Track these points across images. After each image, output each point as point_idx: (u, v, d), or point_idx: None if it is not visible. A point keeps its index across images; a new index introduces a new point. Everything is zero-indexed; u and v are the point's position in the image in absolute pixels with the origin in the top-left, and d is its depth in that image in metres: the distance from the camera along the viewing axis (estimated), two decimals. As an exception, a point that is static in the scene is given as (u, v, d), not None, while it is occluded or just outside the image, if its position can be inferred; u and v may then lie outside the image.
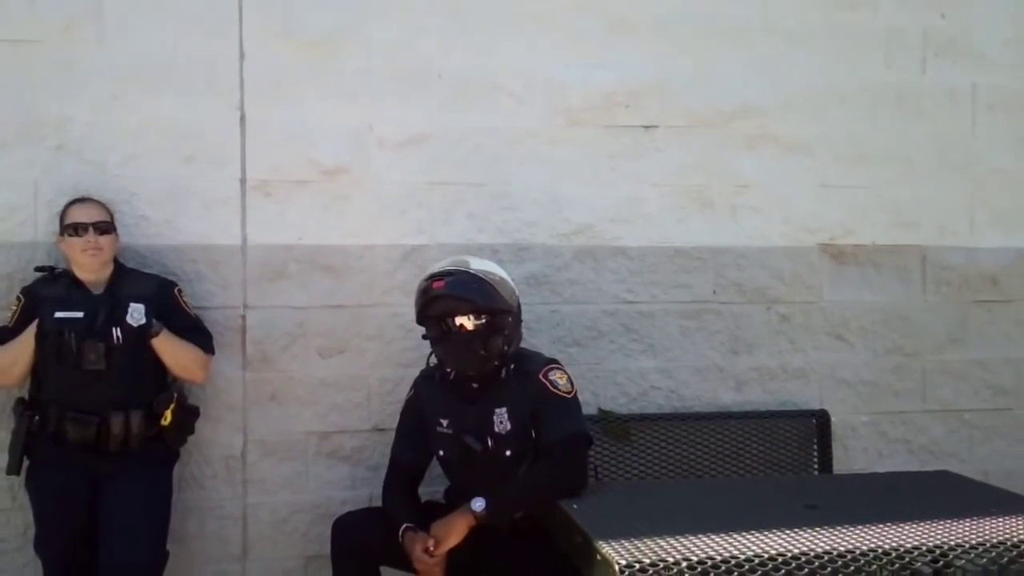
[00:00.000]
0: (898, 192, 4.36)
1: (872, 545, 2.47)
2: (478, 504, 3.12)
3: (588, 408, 3.78)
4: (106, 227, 3.49)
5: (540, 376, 3.31)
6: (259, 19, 3.82)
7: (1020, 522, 2.70)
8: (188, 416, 3.61)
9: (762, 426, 4.16)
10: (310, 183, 3.88)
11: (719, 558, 2.36)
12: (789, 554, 2.39)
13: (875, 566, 2.39)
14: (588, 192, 4.10)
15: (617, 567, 2.33)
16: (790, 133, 4.26)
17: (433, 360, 3.45)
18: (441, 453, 3.43)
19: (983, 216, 4.46)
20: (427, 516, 3.27)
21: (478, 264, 3.37)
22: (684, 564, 2.34)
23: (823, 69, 4.29)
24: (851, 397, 4.34)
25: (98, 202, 3.56)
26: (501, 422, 3.31)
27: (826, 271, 4.31)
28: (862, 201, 4.33)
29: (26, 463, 3.44)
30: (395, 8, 3.93)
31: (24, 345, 3.37)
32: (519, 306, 3.46)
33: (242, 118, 3.82)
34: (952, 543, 2.49)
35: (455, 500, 3.34)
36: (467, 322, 3.27)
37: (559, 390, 3.30)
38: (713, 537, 2.53)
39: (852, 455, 4.32)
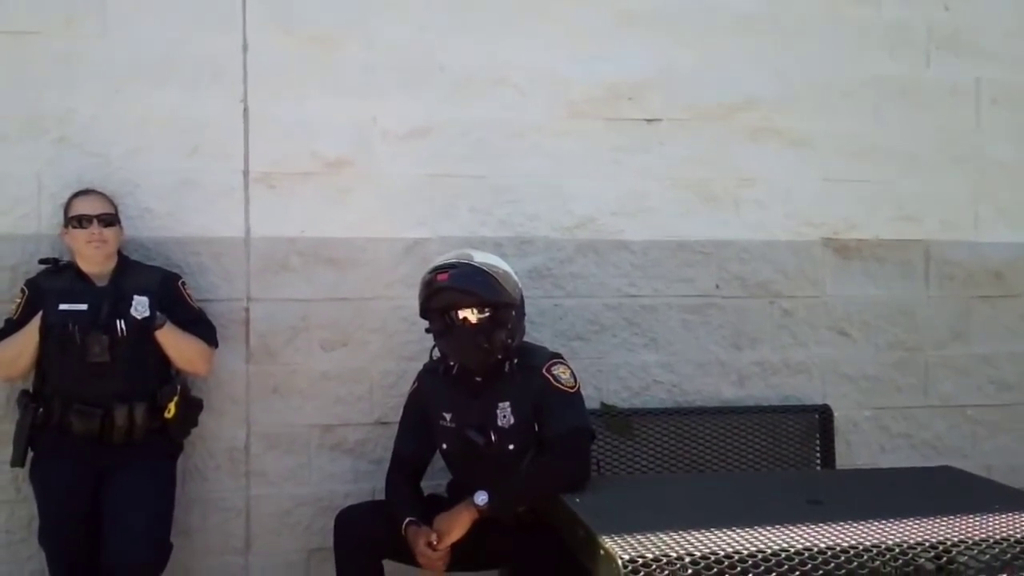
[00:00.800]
0: (902, 186, 4.36)
1: (875, 541, 2.47)
2: (481, 498, 3.12)
3: (591, 402, 3.77)
4: (110, 219, 3.49)
5: (543, 370, 3.31)
6: (262, 12, 3.82)
7: (1023, 518, 2.69)
8: (192, 408, 3.62)
9: (764, 421, 4.16)
10: (313, 176, 3.88)
11: (722, 553, 2.36)
12: (792, 550, 2.39)
13: (878, 562, 2.39)
14: (591, 185, 4.09)
15: (620, 562, 2.33)
16: (794, 127, 4.25)
17: (436, 353, 3.45)
18: (444, 447, 3.43)
19: (987, 211, 4.45)
20: (430, 510, 3.27)
21: (482, 257, 3.36)
22: (687, 559, 2.33)
23: (827, 62, 4.28)
24: (854, 392, 4.33)
25: (102, 194, 3.56)
26: (504, 416, 3.31)
27: (829, 265, 4.31)
28: (866, 195, 4.32)
29: (30, 455, 3.45)
30: (398, 1, 3.93)
31: (28, 337, 3.38)
32: (522, 300, 3.45)
33: (245, 111, 3.81)
34: (955, 539, 2.49)
35: (458, 494, 3.34)
36: (471, 315, 3.27)
37: (562, 384, 3.30)
38: (716, 532, 2.53)
39: (855, 450, 4.31)
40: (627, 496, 3.11)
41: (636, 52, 4.11)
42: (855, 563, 2.36)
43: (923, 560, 2.43)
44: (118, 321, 3.39)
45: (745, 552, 2.38)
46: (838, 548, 2.41)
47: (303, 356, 3.90)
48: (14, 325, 3.43)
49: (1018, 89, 4.47)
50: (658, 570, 2.31)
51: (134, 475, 3.39)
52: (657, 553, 2.36)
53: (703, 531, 2.53)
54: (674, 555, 2.35)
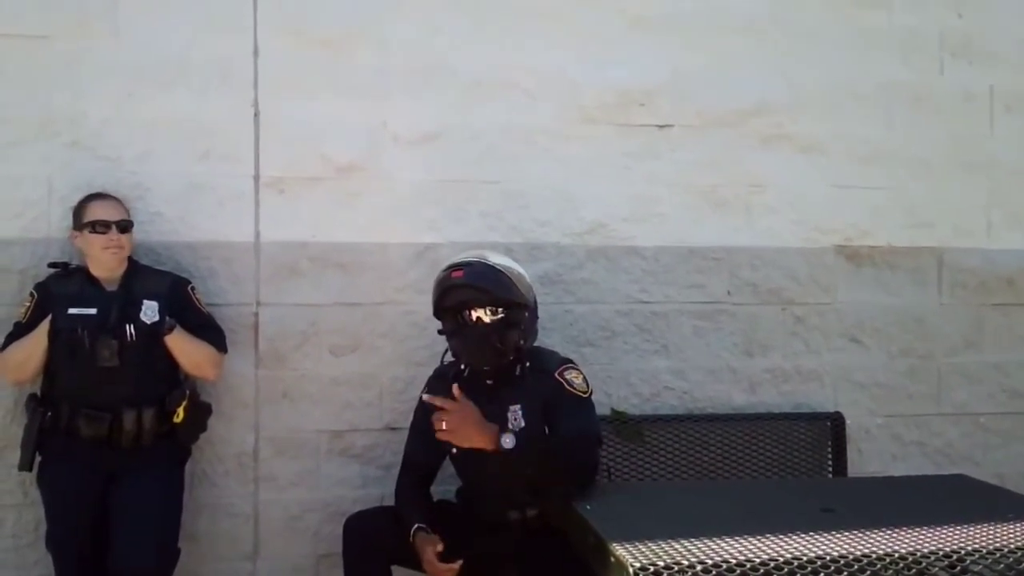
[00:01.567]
0: (914, 193, 4.34)
1: (888, 549, 2.44)
2: (508, 440, 3.02)
3: (601, 408, 3.76)
4: (127, 225, 3.50)
5: (556, 374, 3.29)
6: (274, 16, 3.82)
7: (1037, 527, 2.68)
8: (201, 413, 3.61)
9: (776, 428, 4.14)
10: (324, 180, 3.87)
11: (734, 561, 2.34)
12: (804, 558, 2.37)
13: (891, 571, 2.37)
14: (602, 191, 4.08)
15: (631, 569, 2.31)
16: (805, 133, 4.24)
17: (447, 358, 3.44)
18: (454, 451, 3.40)
19: (1000, 218, 4.43)
20: (439, 516, 3.26)
21: (496, 258, 3.35)
22: (699, 567, 2.31)
23: (839, 68, 4.26)
24: (865, 399, 4.31)
25: (117, 199, 3.56)
26: (515, 419, 3.28)
27: (841, 272, 4.29)
28: (878, 202, 4.31)
29: (38, 459, 3.44)
30: (410, 5, 3.93)
31: (37, 341, 3.38)
32: (535, 302, 3.44)
33: (256, 115, 3.82)
34: (969, 548, 2.47)
35: (467, 500, 3.32)
36: (484, 315, 3.26)
37: (575, 389, 3.28)
38: (727, 540, 2.51)
39: (866, 458, 4.29)
40: (638, 503, 3.09)
41: (647, 57, 4.10)
42: (868, 572, 2.34)
43: (936, 569, 2.41)
44: (127, 326, 3.40)
45: (757, 560, 2.35)
46: (851, 556, 2.39)
47: (312, 361, 3.89)
48: (23, 329, 3.43)
49: (1032, 96, 4.46)
50: (669, 578, 2.29)
51: (142, 480, 3.38)
52: (668, 561, 2.34)
53: (714, 539, 2.51)
54: (685, 563, 2.33)
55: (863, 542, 2.51)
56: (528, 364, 3.34)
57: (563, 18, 4.04)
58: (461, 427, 3.06)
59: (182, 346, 3.48)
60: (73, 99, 3.68)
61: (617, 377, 4.11)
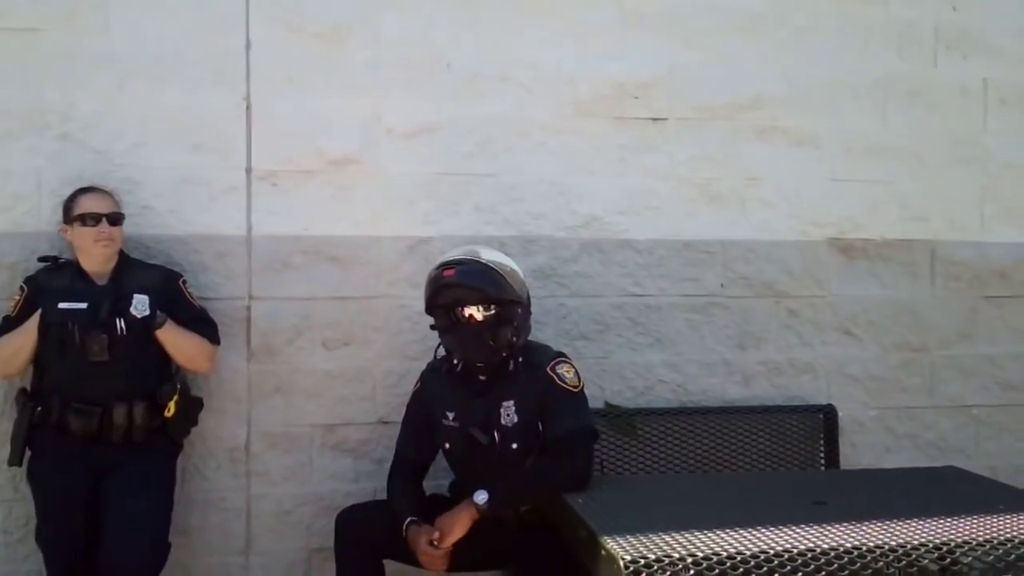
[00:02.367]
0: (908, 186, 4.34)
1: (879, 542, 2.45)
2: (481, 497, 3.10)
3: (595, 402, 3.76)
4: (118, 218, 3.49)
5: (548, 369, 3.29)
6: (266, 8, 3.80)
7: (1028, 519, 2.68)
8: (192, 407, 3.60)
9: (769, 421, 4.15)
10: (317, 173, 3.86)
11: (724, 554, 2.35)
12: (795, 550, 2.38)
13: (882, 563, 2.38)
14: (596, 184, 4.07)
15: (622, 562, 2.31)
16: (800, 126, 4.23)
17: (440, 352, 3.44)
18: (447, 446, 3.41)
19: (993, 211, 4.43)
20: (431, 509, 3.26)
21: (489, 254, 3.35)
22: (689, 560, 2.32)
23: (834, 62, 4.26)
24: (859, 392, 4.31)
25: (108, 192, 3.55)
26: (508, 415, 3.29)
27: (835, 265, 4.29)
28: (872, 195, 4.30)
29: (28, 454, 3.43)
30: (404, -2, 3.92)
31: (27, 335, 3.37)
32: (528, 298, 3.44)
33: (248, 108, 3.80)
34: (959, 540, 2.48)
35: (460, 494, 3.32)
36: (476, 312, 3.26)
37: (566, 384, 3.28)
38: (719, 533, 2.51)
39: (859, 450, 4.29)
40: (630, 496, 3.09)
41: (643, 51, 4.09)
42: (859, 564, 2.35)
43: (927, 561, 2.41)
44: (118, 320, 3.38)
45: (748, 553, 2.36)
46: (841, 549, 2.40)
47: (305, 355, 3.88)
48: (13, 323, 3.42)
49: (1026, 90, 4.46)
50: (660, 571, 2.29)
51: (133, 474, 3.37)
52: (659, 554, 2.34)
53: (706, 531, 2.52)
54: (676, 556, 2.33)
55: (854, 534, 2.52)
56: (520, 359, 3.34)
57: (559, 12, 4.02)
58: (449, 532, 3.12)
59: (174, 339, 3.48)
60: (64, 92, 3.66)
61: (611, 370, 4.11)
